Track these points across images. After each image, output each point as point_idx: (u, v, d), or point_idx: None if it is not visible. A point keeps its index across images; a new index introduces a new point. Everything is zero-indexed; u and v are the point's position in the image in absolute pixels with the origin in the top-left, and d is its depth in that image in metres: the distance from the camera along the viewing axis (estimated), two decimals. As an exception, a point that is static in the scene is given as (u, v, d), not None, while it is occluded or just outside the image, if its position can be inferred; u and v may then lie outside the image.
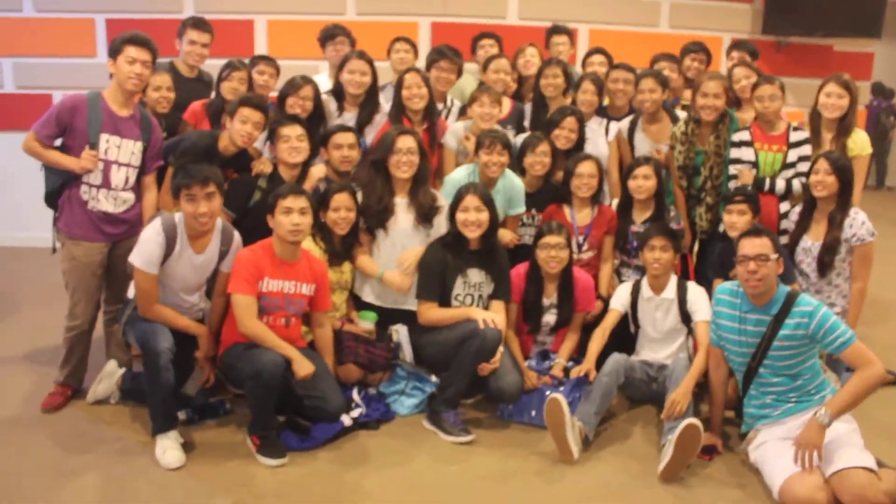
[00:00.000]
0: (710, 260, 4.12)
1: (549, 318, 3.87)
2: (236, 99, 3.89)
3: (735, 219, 3.79)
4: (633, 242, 4.04)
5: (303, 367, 3.22)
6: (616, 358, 3.53)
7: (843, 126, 4.10)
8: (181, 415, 3.41)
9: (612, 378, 3.45)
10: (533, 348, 3.95)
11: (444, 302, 3.70)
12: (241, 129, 3.73)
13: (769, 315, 3.12)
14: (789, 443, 3.02)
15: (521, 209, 4.10)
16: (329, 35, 4.93)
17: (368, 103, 4.35)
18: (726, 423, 3.48)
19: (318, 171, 3.97)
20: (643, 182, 4.02)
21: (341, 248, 3.77)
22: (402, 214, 3.84)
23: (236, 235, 3.53)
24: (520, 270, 3.87)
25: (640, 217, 4.10)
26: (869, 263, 3.81)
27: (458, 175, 4.03)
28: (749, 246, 3.13)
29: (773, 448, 3.05)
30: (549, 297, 3.85)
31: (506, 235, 4.03)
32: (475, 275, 3.72)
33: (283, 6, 6.42)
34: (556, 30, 5.24)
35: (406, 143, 3.77)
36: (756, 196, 3.92)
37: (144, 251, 3.26)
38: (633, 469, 3.21)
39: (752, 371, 3.19)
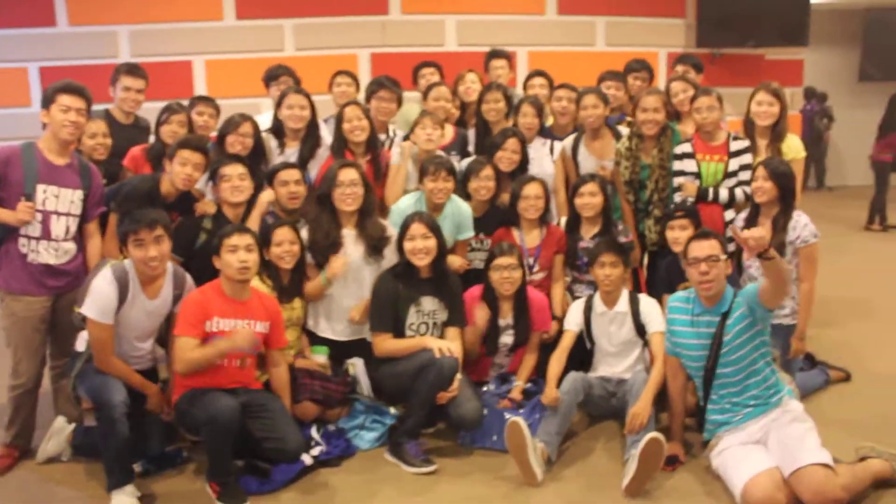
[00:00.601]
0: (659, 274, 4.17)
1: (507, 339, 3.87)
2: (175, 142, 3.85)
3: (677, 234, 3.86)
4: (583, 258, 4.07)
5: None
6: (574, 376, 3.54)
7: (777, 132, 4.20)
8: (137, 466, 3.31)
9: (571, 396, 3.45)
10: (490, 371, 3.94)
11: (399, 332, 3.67)
12: (181, 171, 3.69)
13: (718, 314, 3.21)
14: (749, 447, 3.07)
15: (470, 234, 4.12)
16: (272, 75, 4.93)
17: (309, 138, 4.32)
18: (686, 430, 3.50)
19: (266, 195, 3.92)
20: (590, 199, 4.07)
21: (290, 285, 3.74)
22: (351, 247, 3.82)
23: (188, 278, 3.48)
24: (474, 293, 3.87)
25: (588, 233, 4.14)
26: (814, 264, 3.89)
27: (405, 203, 4.04)
28: (698, 248, 3.22)
29: (733, 453, 3.08)
30: (505, 318, 3.85)
31: (455, 261, 4.02)
32: (428, 303, 3.70)
33: (220, 46, 6.39)
34: (494, 54, 5.30)
35: (348, 175, 3.76)
36: (696, 210, 4.01)
37: (98, 301, 3.19)
38: (598, 486, 3.21)
39: (710, 373, 3.24)
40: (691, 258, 3.22)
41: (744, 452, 3.05)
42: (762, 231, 2.94)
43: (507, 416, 3.47)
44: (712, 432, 3.27)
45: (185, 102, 4.46)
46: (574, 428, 3.66)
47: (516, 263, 3.75)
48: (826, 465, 2.82)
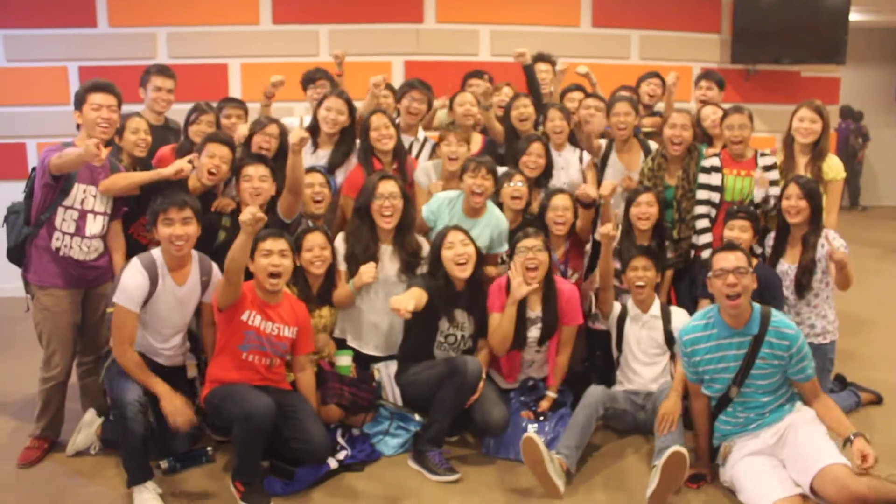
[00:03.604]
0: (684, 284, 4.16)
1: (535, 332, 3.78)
2: (203, 137, 3.91)
3: (737, 234, 3.78)
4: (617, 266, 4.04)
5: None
6: (594, 390, 3.51)
7: (818, 151, 4.16)
8: (163, 463, 3.35)
9: (591, 410, 3.42)
10: (521, 371, 3.88)
11: (430, 338, 3.66)
12: (208, 162, 3.73)
13: (749, 335, 3.13)
14: (766, 463, 3.04)
15: (505, 247, 4.07)
16: (310, 79, 4.95)
17: (343, 143, 4.32)
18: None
19: (297, 134, 3.75)
20: (647, 209, 4.01)
21: (319, 292, 3.75)
22: (388, 263, 3.83)
23: (214, 266, 3.50)
24: (501, 283, 3.80)
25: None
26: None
27: (447, 194, 4.06)
28: (725, 260, 3.14)
29: (749, 468, 3.06)
30: (534, 310, 3.78)
31: (493, 270, 4.01)
32: (460, 315, 3.71)
33: (256, 49, 6.46)
34: (539, 58, 5.31)
35: (388, 188, 3.77)
36: (757, 215, 3.96)
37: (127, 288, 3.23)
38: (622, 500, 3.18)
39: (730, 393, 3.20)
40: (718, 269, 3.13)
41: (761, 470, 3.01)
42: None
43: (531, 427, 3.48)
44: (721, 440, 3.25)
45: (215, 104, 4.50)
46: (599, 442, 3.64)
47: (541, 245, 3.68)
48: (847, 466, 2.82)
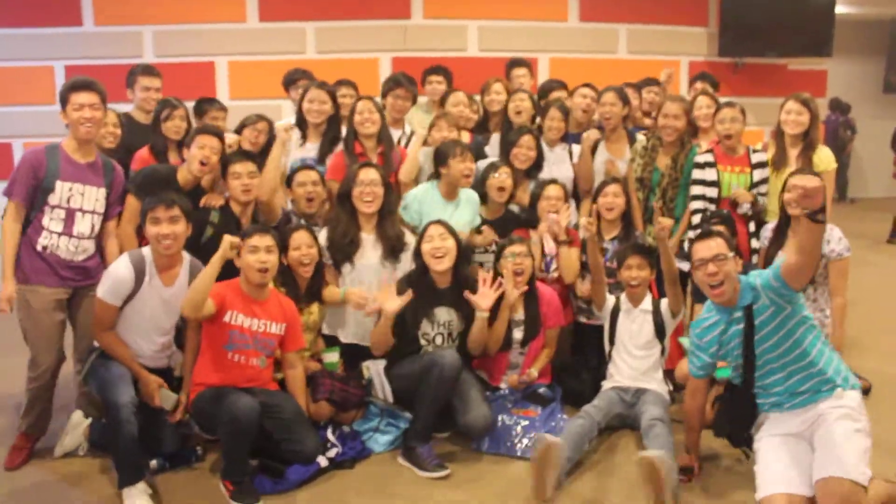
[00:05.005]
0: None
1: (518, 334, 3.85)
2: (193, 130, 3.93)
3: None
4: (606, 259, 4.06)
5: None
6: (590, 410, 3.53)
7: (808, 142, 4.21)
8: (152, 463, 3.34)
9: (585, 431, 3.43)
10: (506, 373, 3.90)
11: (414, 340, 3.65)
12: (198, 153, 3.71)
13: (741, 308, 2.99)
14: (788, 451, 2.85)
15: (477, 220, 4.14)
16: (291, 80, 5.00)
17: (330, 132, 4.37)
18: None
19: (284, 127, 4.02)
20: (613, 199, 4.10)
21: (307, 291, 3.74)
22: (370, 249, 3.83)
23: None
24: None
25: (607, 234, 4.16)
26: (845, 277, 3.85)
27: (418, 189, 4.11)
28: (704, 249, 3.02)
29: (771, 447, 2.90)
30: (517, 313, 3.84)
31: (483, 233, 4.04)
32: (443, 313, 3.68)
33: (243, 47, 6.45)
34: (515, 63, 5.33)
35: (368, 175, 3.79)
36: (731, 218, 4.01)
37: (109, 281, 3.26)
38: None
39: (750, 369, 3.02)
40: (697, 260, 3.02)
41: (780, 451, 2.85)
42: (818, 181, 2.72)
43: (521, 422, 3.50)
44: (762, 409, 3.07)
45: (188, 103, 4.47)
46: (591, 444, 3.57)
47: (526, 251, 3.77)
48: (855, 482, 2.60)
